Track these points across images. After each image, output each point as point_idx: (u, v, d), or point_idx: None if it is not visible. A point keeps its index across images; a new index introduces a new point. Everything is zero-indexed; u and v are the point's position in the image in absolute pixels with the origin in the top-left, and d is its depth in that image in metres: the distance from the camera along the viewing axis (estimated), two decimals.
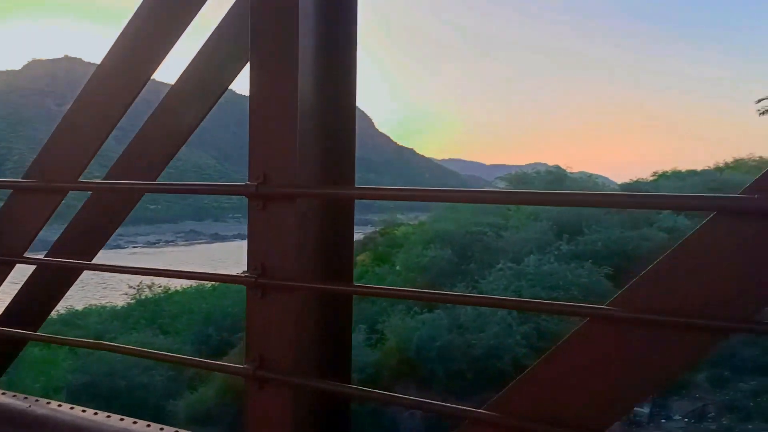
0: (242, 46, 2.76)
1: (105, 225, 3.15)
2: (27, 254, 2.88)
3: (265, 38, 2.21)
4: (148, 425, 2.40)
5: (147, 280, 27.19)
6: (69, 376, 14.91)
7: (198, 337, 19.93)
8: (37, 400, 2.67)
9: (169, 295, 26.61)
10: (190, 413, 14.83)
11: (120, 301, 26.92)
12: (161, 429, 2.36)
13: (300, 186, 2.21)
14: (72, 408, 2.58)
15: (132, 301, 25.69)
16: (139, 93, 2.72)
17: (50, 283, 3.19)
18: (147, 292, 26.43)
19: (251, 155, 2.25)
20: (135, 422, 2.43)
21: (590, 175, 39.39)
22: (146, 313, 23.97)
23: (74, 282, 3.27)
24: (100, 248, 3.18)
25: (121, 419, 2.45)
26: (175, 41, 2.69)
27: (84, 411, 2.55)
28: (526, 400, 1.81)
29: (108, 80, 2.69)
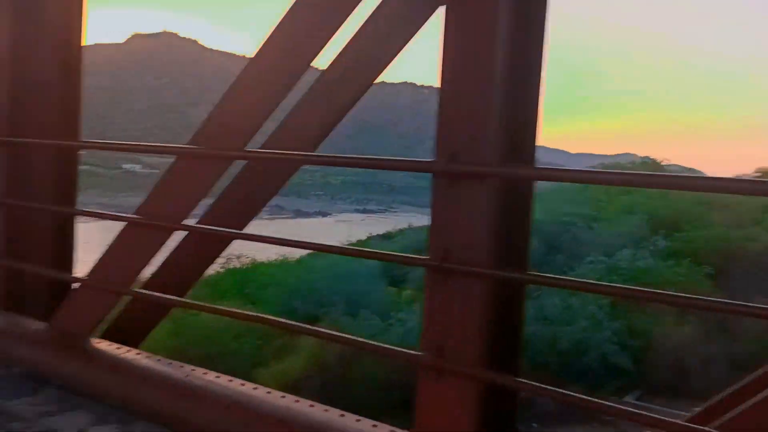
0: (403, 24, 2.65)
1: (257, 196, 3.11)
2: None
3: (463, 3, 2.05)
4: (312, 405, 2.33)
5: (236, 250, 27.91)
6: (166, 339, 15.55)
7: (284, 309, 20.34)
8: (193, 370, 2.66)
9: (255, 267, 27.31)
10: (278, 383, 15.18)
11: (209, 269, 27.81)
12: (326, 410, 2.28)
13: (493, 165, 2.04)
14: (231, 381, 2.54)
15: (221, 269, 26.52)
16: (308, 67, 2.63)
17: (200, 251, 3.19)
18: (236, 262, 27.21)
19: (440, 130, 2.10)
20: (297, 401, 2.36)
21: (690, 170, 37.37)
22: (235, 282, 24.70)
23: (223, 251, 3.27)
24: (251, 219, 3.14)
25: (282, 396, 2.39)
26: (350, 11, 2.58)
27: (243, 385, 2.51)
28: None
29: (277, 51, 2.60)
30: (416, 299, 21.73)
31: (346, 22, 2.58)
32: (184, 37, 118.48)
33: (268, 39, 2.59)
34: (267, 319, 2.73)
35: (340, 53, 2.88)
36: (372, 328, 17.23)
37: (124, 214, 3.01)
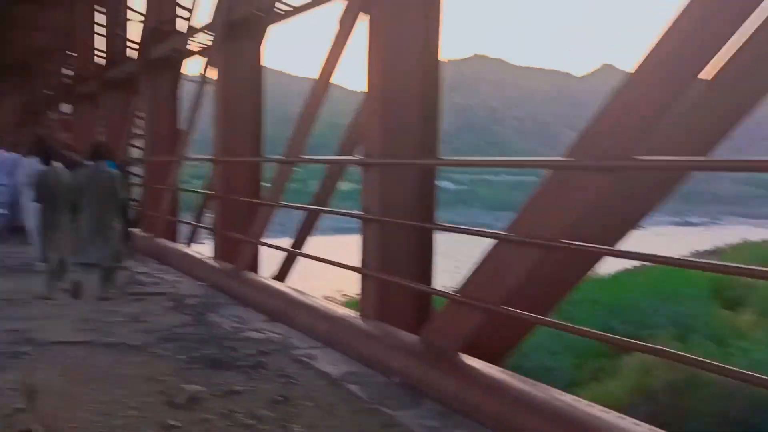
0: None
1: (634, 209, 2.81)
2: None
3: None
4: None
5: None
6: None
7: (600, 329, 19.26)
8: (572, 398, 2.48)
9: None
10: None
11: None
12: None
13: None
14: (621, 418, 2.28)
15: None
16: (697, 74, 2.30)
17: (568, 268, 3.01)
18: None
19: None
20: None
21: None
22: None
23: (593, 268, 3.03)
24: (625, 234, 2.85)
25: (637, 424, 2.04)
26: (744, 18, 2.18)
27: (638, 424, 2.23)
28: None
29: (664, 60, 2.30)
30: (759, 325, 18.75)
31: (739, 29, 2.20)
32: (492, 58, 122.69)
33: (654, 48, 2.31)
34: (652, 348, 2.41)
35: (731, 58, 2.48)
36: (706, 357, 15.20)
37: (492, 231, 2.98)
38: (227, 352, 3.57)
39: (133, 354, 3.53)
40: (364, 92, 4.03)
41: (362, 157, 3.97)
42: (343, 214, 4.53)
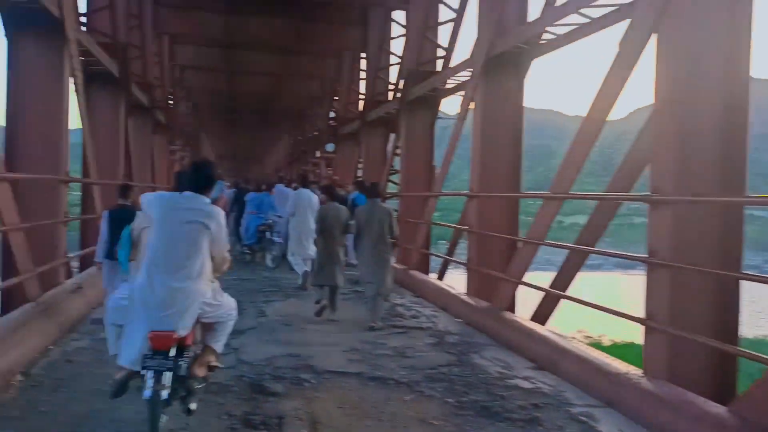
0: None
1: None
2: None
3: None
4: None
5: None
6: None
7: None
8: None
9: None
10: None
11: None
12: None
13: None
14: None
15: None
16: None
17: None
18: None
19: None
20: None
21: None
22: None
23: None
24: None
25: None
26: None
27: None
28: None
29: None
30: None
31: None
32: (758, 79, 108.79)
33: None
34: None
35: None
36: None
37: None
38: (497, 400, 3.36)
39: (403, 391, 3.50)
40: (654, 117, 3.60)
41: (649, 194, 3.52)
42: (624, 257, 4.07)
